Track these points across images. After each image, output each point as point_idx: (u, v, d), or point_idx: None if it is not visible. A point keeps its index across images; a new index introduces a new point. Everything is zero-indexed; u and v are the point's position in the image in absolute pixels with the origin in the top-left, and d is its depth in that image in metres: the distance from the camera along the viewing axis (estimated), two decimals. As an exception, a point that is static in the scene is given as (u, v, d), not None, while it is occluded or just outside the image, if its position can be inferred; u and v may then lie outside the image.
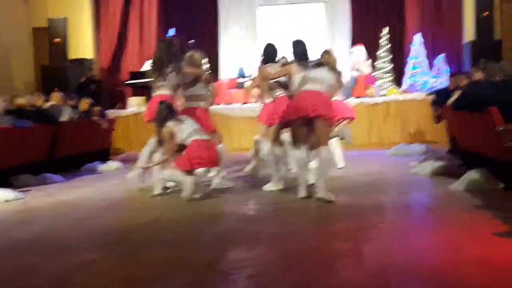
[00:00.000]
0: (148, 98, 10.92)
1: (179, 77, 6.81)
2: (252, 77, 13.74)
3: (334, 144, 8.38)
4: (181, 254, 4.08)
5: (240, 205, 5.97)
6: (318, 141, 5.93)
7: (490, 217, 4.79)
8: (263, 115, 7.71)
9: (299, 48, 6.71)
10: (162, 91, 6.72)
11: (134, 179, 7.14)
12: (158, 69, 6.74)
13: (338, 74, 6.38)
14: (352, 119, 8.44)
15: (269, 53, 7.09)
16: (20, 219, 5.77)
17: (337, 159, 8.39)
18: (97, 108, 10.67)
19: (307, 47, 6.74)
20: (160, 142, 6.67)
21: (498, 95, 6.01)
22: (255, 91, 8.34)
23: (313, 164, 6.14)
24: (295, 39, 6.86)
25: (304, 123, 5.94)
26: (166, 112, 6.40)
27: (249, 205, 5.98)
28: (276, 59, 7.18)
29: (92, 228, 5.14)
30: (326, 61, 6.56)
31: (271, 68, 6.90)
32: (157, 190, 6.67)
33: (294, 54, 6.73)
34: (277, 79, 6.80)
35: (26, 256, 4.23)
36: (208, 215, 5.55)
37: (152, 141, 6.93)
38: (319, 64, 6.32)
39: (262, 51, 7.17)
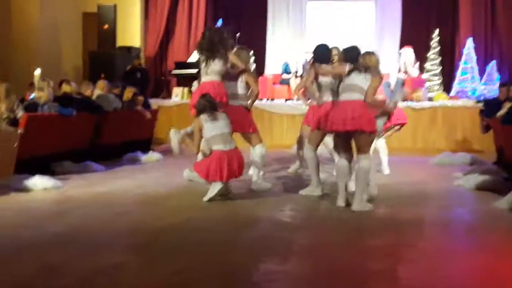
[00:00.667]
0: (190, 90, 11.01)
1: (225, 67, 6.75)
2: (296, 73, 13.66)
3: (381, 149, 8.25)
4: (211, 261, 4.03)
5: (276, 210, 5.89)
6: (358, 150, 5.83)
7: (533, 242, 4.61)
8: (308, 117, 7.64)
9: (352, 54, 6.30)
10: (210, 77, 6.67)
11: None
12: (207, 54, 6.68)
13: (377, 74, 5.88)
14: (404, 124, 8.30)
15: (321, 53, 6.76)
16: (55, 210, 5.80)
17: (383, 165, 8.25)
18: (140, 98, 10.70)
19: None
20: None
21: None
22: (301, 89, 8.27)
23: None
24: (349, 46, 6.30)
25: (344, 133, 5.82)
26: (204, 105, 6.32)
27: (285, 211, 5.90)
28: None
29: (125, 226, 5.15)
30: (364, 64, 5.95)
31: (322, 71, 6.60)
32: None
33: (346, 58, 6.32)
34: (327, 84, 6.62)
35: (55, 253, 4.24)
36: (242, 219, 5.50)
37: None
38: (352, 69, 5.93)
39: (313, 51, 6.89)
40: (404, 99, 11.70)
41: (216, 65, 6.66)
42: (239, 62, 6.84)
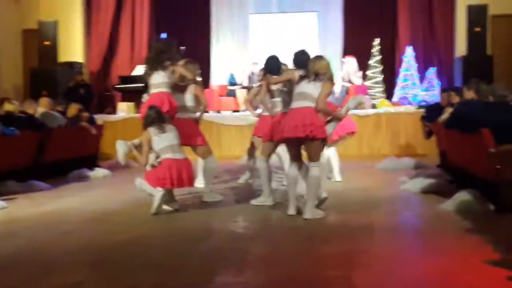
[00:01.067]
0: (138, 103, 10.92)
1: (172, 78, 6.74)
2: (242, 84, 13.72)
3: (332, 157, 8.36)
4: (166, 278, 3.98)
5: (229, 221, 5.89)
6: (309, 157, 5.88)
7: (480, 243, 4.74)
8: (258, 128, 7.71)
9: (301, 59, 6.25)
10: (159, 89, 6.62)
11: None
12: (155, 66, 6.64)
13: (328, 80, 5.83)
14: (353, 133, 8.44)
15: (272, 65, 6.78)
16: (2, 231, 5.64)
17: (335, 173, 8.35)
18: (85, 114, 10.53)
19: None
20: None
21: (490, 116, 5.99)
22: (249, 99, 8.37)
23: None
24: (298, 50, 6.29)
25: (295, 140, 5.86)
26: (153, 118, 6.29)
27: (238, 222, 5.91)
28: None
29: (75, 244, 5.04)
30: (313, 71, 5.86)
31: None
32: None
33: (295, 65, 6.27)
34: (279, 94, 6.63)
35: (7, 275, 4.12)
36: (195, 232, 5.47)
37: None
38: (302, 77, 5.92)
39: (264, 63, 6.89)
40: (362, 108, 11.89)
41: (164, 77, 6.63)
42: (187, 73, 6.83)
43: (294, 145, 5.98)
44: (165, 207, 6.29)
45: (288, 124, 5.77)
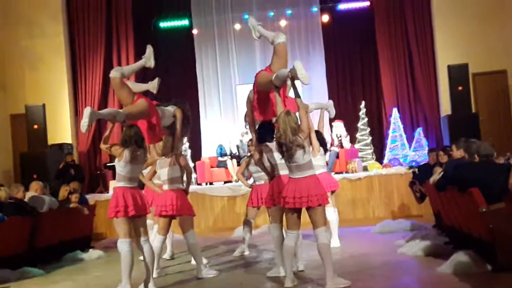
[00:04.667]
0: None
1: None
2: (232, 155, 13.77)
3: (332, 221, 8.33)
4: None
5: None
6: (315, 224, 5.83)
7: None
8: (253, 198, 7.81)
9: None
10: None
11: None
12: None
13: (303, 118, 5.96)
14: (335, 191, 8.47)
15: (263, 133, 6.69)
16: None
17: (333, 238, 8.26)
18: (75, 196, 10.46)
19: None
20: None
21: (478, 176, 6.04)
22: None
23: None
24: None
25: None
26: (130, 137, 6.14)
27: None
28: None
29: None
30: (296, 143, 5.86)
31: (267, 148, 6.55)
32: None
33: None
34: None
35: None
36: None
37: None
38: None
39: (257, 130, 6.79)
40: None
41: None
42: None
43: (296, 213, 5.92)
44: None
45: (300, 194, 5.75)
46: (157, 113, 6.74)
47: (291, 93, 6.56)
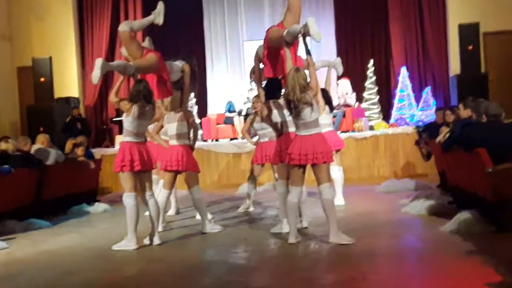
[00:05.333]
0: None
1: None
2: (240, 112, 13.72)
3: (337, 180, 8.36)
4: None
5: (229, 252, 5.86)
6: (320, 180, 5.89)
7: (482, 264, 4.72)
8: (257, 156, 7.83)
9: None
10: None
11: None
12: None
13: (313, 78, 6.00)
14: (340, 149, 8.46)
15: (271, 89, 6.67)
16: (3, 273, 5.59)
17: (337, 196, 8.29)
18: (81, 149, 10.47)
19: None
20: None
21: (485, 136, 6.00)
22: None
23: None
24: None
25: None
26: (138, 91, 6.17)
27: (239, 253, 5.88)
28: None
29: (77, 284, 5.00)
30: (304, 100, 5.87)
31: (277, 104, 6.51)
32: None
33: None
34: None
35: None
36: (196, 264, 5.45)
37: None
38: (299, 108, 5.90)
39: (264, 87, 6.77)
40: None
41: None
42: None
43: (301, 169, 5.96)
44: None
45: (307, 151, 5.79)
46: (166, 67, 6.71)
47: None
